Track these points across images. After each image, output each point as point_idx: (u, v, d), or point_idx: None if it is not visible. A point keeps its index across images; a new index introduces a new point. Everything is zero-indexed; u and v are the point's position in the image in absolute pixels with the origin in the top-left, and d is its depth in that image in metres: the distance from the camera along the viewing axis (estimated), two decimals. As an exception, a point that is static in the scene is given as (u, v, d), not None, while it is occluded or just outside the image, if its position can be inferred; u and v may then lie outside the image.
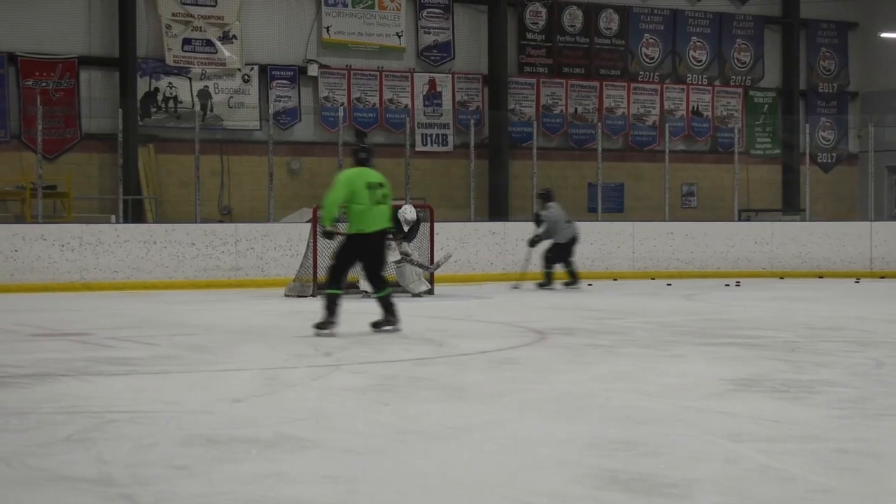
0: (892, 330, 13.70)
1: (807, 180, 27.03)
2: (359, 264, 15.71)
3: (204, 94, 26.39)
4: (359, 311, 16.01)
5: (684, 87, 31.60)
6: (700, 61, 31.84)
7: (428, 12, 28.73)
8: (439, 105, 28.81)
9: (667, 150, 26.54)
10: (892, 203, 32.29)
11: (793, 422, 7.27)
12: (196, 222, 22.31)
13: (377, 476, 5.76)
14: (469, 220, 24.15)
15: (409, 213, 18.49)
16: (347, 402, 8.06)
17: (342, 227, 13.19)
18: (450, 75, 28.97)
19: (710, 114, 31.84)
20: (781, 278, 24.12)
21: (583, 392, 8.52)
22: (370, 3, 27.91)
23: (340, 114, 25.43)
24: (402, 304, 17.20)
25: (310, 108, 27.48)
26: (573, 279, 20.67)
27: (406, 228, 18.41)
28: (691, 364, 10.21)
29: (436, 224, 19.92)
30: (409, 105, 28.32)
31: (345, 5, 27.69)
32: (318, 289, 18.37)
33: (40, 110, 22.42)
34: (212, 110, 26.45)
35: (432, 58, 28.82)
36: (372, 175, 12.87)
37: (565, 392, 8.51)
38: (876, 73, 33.73)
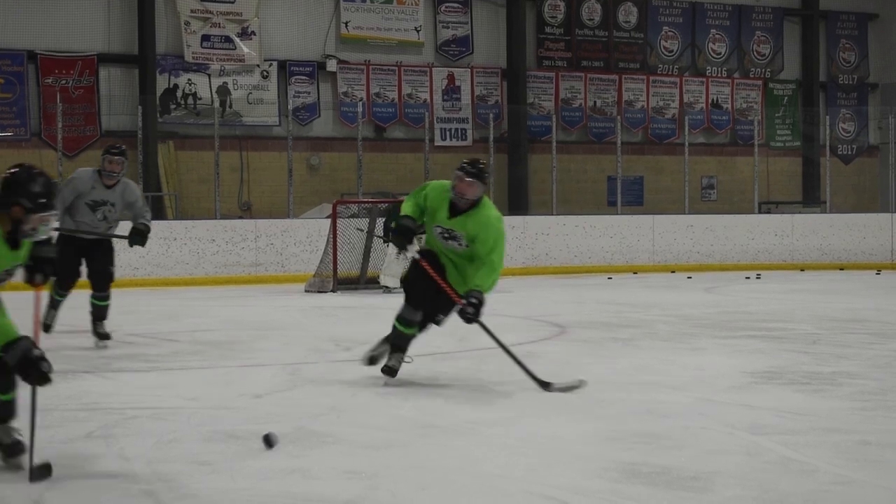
0: (913, 321, 13.66)
1: (827, 172, 26.96)
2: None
3: (223, 91, 26.42)
4: (381, 306, 16.02)
5: (703, 79, 31.51)
6: (719, 54, 31.75)
7: (446, 7, 28.70)
8: (458, 99, 28.79)
9: (686, 143, 26.48)
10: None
11: (814, 414, 7.26)
12: (216, 218, 22.37)
13: (398, 471, 5.77)
14: (488, 215, 24.13)
15: None
16: (368, 397, 8.07)
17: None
18: (468, 69, 28.94)
19: (729, 106, 31.73)
20: (802, 270, 24.07)
21: (603, 386, 8.51)
22: (388, -2, 27.93)
23: (359, 109, 25.43)
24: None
25: (329, 104, 27.48)
26: None
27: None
28: (712, 357, 10.20)
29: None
30: (428, 100, 28.31)
31: (363, 0, 27.70)
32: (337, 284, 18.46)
33: (60, 108, 22.50)
34: (231, 106, 26.48)
35: (451, 52, 28.80)
36: None
37: (585, 386, 8.51)
38: (896, 64, 33.61)
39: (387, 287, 18.39)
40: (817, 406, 7.60)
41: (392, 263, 18.32)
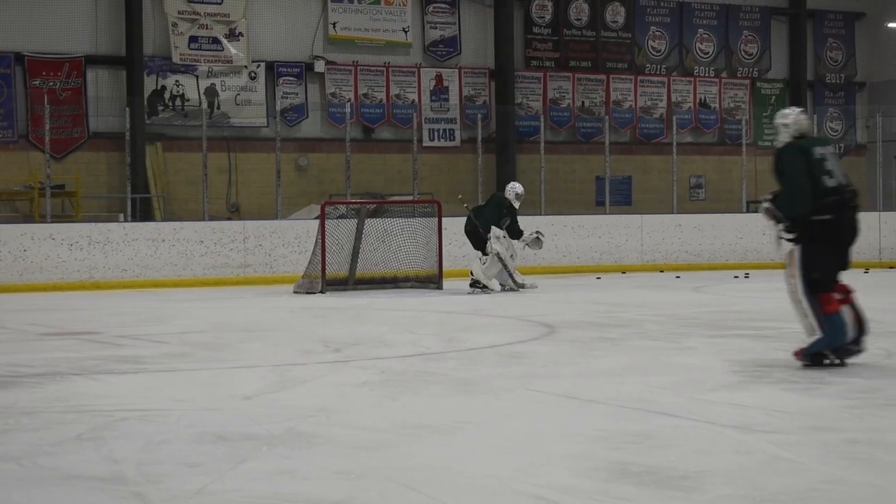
0: (901, 320, 13.68)
1: (815, 171, 26.95)
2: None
3: (211, 92, 26.40)
4: (368, 306, 16.01)
5: (691, 79, 31.56)
6: (707, 53, 31.80)
7: (434, 7, 28.71)
8: (446, 100, 28.80)
9: (674, 143, 26.52)
10: (901, 193, 32.23)
11: (803, 412, 7.27)
12: (204, 220, 22.34)
13: (387, 471, 5.76)
14: (477, 215, 24.17)
15: (518, 187, 18.44)
16: (357, 398, 8.07)
17: None
18: (456, 70, 28.96)
19: (717, 106, 31.80)
20: (790, 269, 24.07)
21: (592, 385, 8.52)
22: (376, -2, 27.93)
23: (347, 110, 25.42)
24: (413, 300, 17.21)
25: (317, 105, 27.48)
26: None
27: (517, 205, 18.28)
28: (701, 356, 10.20)
29: (444, 219, 19.86)
30: (416, 100, 28.32)
31: (351, 1, 27.69)
32: None
33: (48, 110, 22.45)
34: (219, 108, 26.46)
35: (439, 53, 28.81)
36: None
37: (574, 385, 8.51)
38: (883, 63, 33.66)
39: (482, 286, 18.07)
40: (806, 404, 7.61)
41: (492, 265, 18.08)
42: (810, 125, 9.53)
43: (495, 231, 18.00)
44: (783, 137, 9.38)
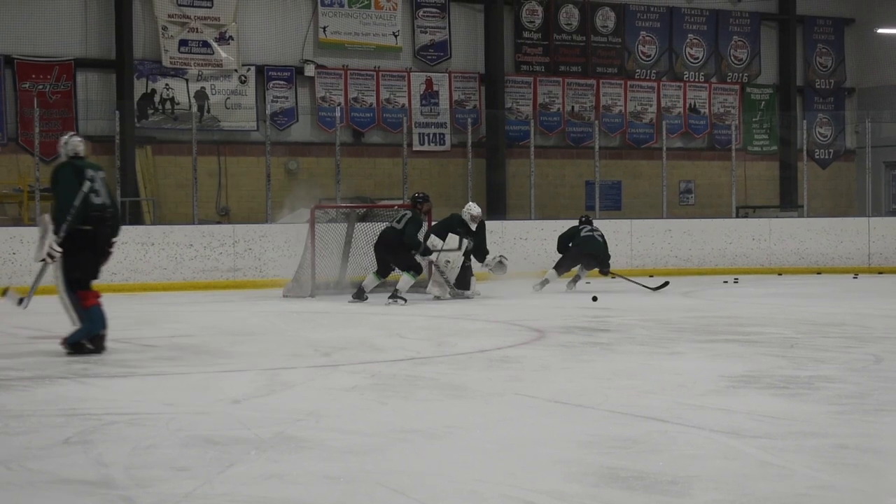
0: (890, 325, 13.71)
1: (804, 176, 27.05)
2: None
3: (201, 96, 26.36)
4: (359, 311, 16.00)
5: (681, 84, 31.58)
6: (697, 58, 31.83)
7: (424, 12, 28.71)
8: (436, 104, 28.79)
9: (664, 148, 26.53)
10: (890, 198, 32.31)
11: (792, 418, 7.27)
12: (194, 223, 22.32)
13: (377, 476, 5.76)
14: (467, 219, 24.15)
15: (473, 209, 18.37)
16: (346, 402, 8.06)
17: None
18: (446, 74, 28.95)
19: (707, 111, 31.82)
20: (780, 274, 24.14)
21: (581, 390, 8.52)
22: (366, 2, 27.89)
23: (337, 114, 25.41)
24: (401, 306, 17.18)
25: (307, 109, 27.46)
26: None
27: (473, 226, 18.20)
28: (690, 361, 10.21)
29: (433, 223, 19.85)
30: (407, 104, 28.31)
31: (341, 5, 27.68)
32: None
33: (37, 113, 22.40)
34: (209, 111, 26.43)
35: (429, 57, 28.80)
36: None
37: (564, 390, 8.52)
38: (872, 68, 33.72)
39: (436, 296, 18.13)
40: (795, 410, 7.61)
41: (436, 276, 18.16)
42: (85, 148, 11.35)
43: (433, 241, 17.90)
44: (62, 157, 11.08)
